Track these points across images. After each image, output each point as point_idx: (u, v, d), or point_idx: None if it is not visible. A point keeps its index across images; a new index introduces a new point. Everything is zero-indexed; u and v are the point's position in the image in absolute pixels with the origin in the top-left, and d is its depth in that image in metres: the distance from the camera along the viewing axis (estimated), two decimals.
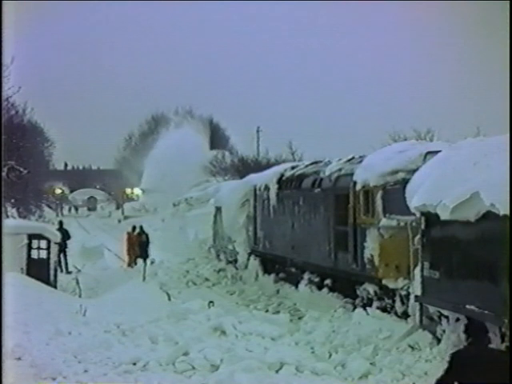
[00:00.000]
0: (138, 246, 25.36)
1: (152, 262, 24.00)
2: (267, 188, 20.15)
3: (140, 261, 24.44)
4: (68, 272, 24.47)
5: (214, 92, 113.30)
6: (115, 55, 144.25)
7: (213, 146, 67.12)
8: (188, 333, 12.26)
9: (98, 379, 9.14)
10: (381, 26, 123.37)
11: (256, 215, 21.26)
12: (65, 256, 24.81)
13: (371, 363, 10.65)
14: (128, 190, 76.57)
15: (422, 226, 11.03)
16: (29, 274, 18.20)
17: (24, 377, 8.69)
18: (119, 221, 57.81)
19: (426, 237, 10.98)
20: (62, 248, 23.74)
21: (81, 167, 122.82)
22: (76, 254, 28.96)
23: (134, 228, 27.08)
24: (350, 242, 14.67)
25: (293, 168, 20.00)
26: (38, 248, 18.98)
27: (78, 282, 21.03)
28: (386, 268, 13.27)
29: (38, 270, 18.47)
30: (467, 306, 9.71)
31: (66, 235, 24.90)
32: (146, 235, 26.05)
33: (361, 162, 15.06)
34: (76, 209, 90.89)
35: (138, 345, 11.51)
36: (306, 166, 19.38)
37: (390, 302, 13.41)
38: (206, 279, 21.66)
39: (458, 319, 10.61)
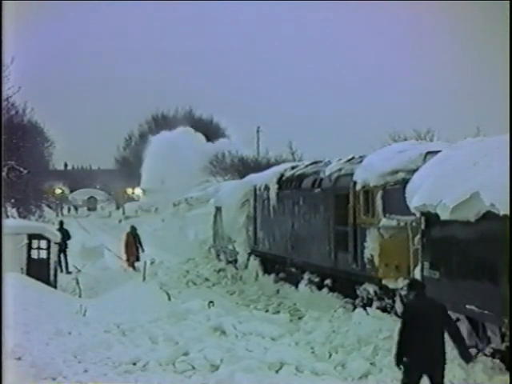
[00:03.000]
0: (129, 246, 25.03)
1: (152, 262, 23.98)
2: (267, 188, 20.16)
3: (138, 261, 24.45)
4: (68, 272, 24.45)
5: (214, 92, 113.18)
6: (115, 55, 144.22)
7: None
8: (188, 333, 12.26)
9: (98, 379, 9.14)
10: (381, 26, 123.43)
11: (256, 215, 21.27)
12: (65, 256, 24.79)
13: (371, 363, 10.65)
14: (129, 190, 76.52)
15: (422, 226, 11.03)
16: (29, 274, 18.20)
17: (24, 377, 8.69)
18: (120, 221, 57.80)
19: (426, 237, 10.98)
20: (62, 248, 23.74)
21: (81, 167, 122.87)
22: (76, 254, 28.94)
23: (132, 228, 27.03)
24: (350, 242, 14.67)
25: (293, 168, 20.02)
26: (38, 248, 18.97)
27: (77, 282, 21.03)
28: (385, 268, 13.28)
29: (38, 270, 18.47)
30: (467, 306, 9.71)
31: (66, 235, 24.91)
32: (139, 238, 25.50)
33: (361, 162, 15.07)
34: (76, 209, 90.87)
35: (137, 345, 11.50)
36: (306, 166, 19.39)
37: (390, 302, 13.41)
38: (206, 279, 21.68)
39: (458, 319, 10.61)
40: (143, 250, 25.06)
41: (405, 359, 7.98)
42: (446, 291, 10.35)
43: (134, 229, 25.94)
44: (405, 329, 8.00)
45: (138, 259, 24.49)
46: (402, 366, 8.02)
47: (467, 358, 8.50)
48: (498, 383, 9.22)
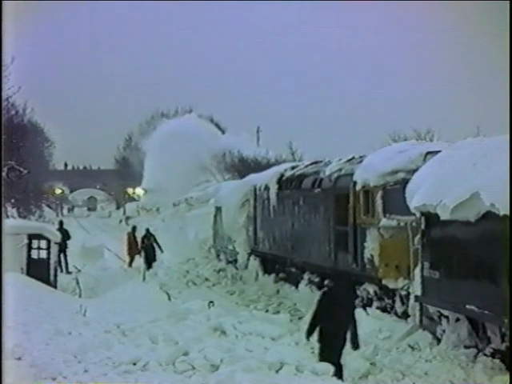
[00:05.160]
0: (145, 249, 24.35)
1: None
2: (267, 188, 20.16)
3: (140, 260, 24.35)
4: (68, 272, 24.46)
5: (215, 92, 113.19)
6: (115, 55, 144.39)
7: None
8: (188, 333, 12.25)
9: (98, 379, 9.12)
10: (381, 26, 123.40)
11: (256, 215, 21.26)
12: (65, 256, 24.79)
13: (371, 363, 10.65)
14: (130, 190, 76.50)
15: (422, 226, 11.04)
16: (29, 274, 18.19)
17: (24, 377, 8.68)
18: (120, 221, 57.81)
19: (426, 237, 10.98)
20: (62, 248, 23.73)
21: (81, 167, 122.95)
22: (76, 254, 28.93)
23: (133, 228, 26.97)
24: (350, 242, 14.67)
25: (293, 168, 20.01)
26: (38, 248, 18.96)
27: (78, 282, 21.04)
28: (385, 268, 13.27)
29: (38, 270, 18.46)
30: (467, 306, 9.71)
31: (66, 235, 24.90)
32: (154, 238, 25.10)
33: (361, 162, 15.06)
34: (73, 208, 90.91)
35: (137, 345, 11.48)
36: (306, 166, 19.39)
37: (390, 302, 13.41)
38: (206, 279, 21.68)
39: (458, 319, 10.61)
40: (162, 251, 24.59)
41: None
42: (446, 291, 10.36)
43: (147, 230, 25.53)
44: (318, 310, 9.82)
45: (154, 259, 24.13)
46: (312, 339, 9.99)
47: (356, 345, 9.75)
48: (498, 383, 9.22)
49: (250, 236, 21.87)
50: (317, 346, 12.12)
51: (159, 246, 24.75)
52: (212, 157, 52.92)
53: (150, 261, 23.80)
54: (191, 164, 53.41)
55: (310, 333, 10.02)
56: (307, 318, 14.20)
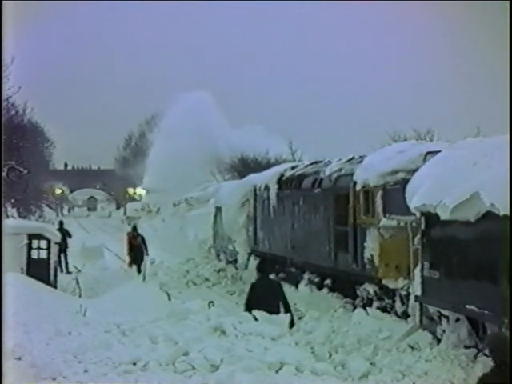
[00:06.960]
0: (131, 248, 24.10)
1: (152, 262, 23.93)
2: (267, 188, 20.16)
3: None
4: (68, 272, 24.46)
5: (215, 92, 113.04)
6: (115, 55, 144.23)
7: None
8: (188, 333, 12.23)
9: (98, 379, 9.11)
10: (381, 26, 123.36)
11: (256, 215, 21.26)
12: (65, 256, 24.80)
13: (371, 363, 10.63)
14: (130, 190, 76.53)
15: (422, 226, 11.03)
16: (29, 274, 18.17)
17: (24, 377, 8.68)
18: (122, 221, 57.89)
19: (426, 237, 10.98)
20: (63, 248, 23.73)
21: (81, 167, 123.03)
22: (76, 254, 28.94)
23: (134, 228, 26.94)
24: (350, 242, 14.67)
25: (293, 168, 20.02)
26: (38, 248, 18.94)
27: (78, 282, 21.04)
28: (385, 268, 13.28)
29: (38, 270, 18.44)
30: (467, 306, 9.71)
31: (66, 235, 24.93)
32: (142, 237, 24.65)
33: (361, 162, 15.07)
34: (72, 208, 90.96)
35: (137, 345, 11.47)
36: (306, 166, 19.39)
37: (390, 302, 13.41)
38: (206, 279, 21.69)
39: (458, 319, 10.61)
40: (147, 254, 24.57)
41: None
42: (446, 291, 10.36)
43: (135, 229, 25.57)
44: (249, 298, 12.93)
45: (142, 260, 23.95)
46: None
47: (292, 325, 12.41)
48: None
49: (249, 236, 21.87)
50: (317, 346, 12.24)
51: (146, 247, 24.41)
52: (215, 155, 52.83)
53: (137, 261, 23.55)
54: (194, 162, 53.37)
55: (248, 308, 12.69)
56: (307, 318, 14.33)
